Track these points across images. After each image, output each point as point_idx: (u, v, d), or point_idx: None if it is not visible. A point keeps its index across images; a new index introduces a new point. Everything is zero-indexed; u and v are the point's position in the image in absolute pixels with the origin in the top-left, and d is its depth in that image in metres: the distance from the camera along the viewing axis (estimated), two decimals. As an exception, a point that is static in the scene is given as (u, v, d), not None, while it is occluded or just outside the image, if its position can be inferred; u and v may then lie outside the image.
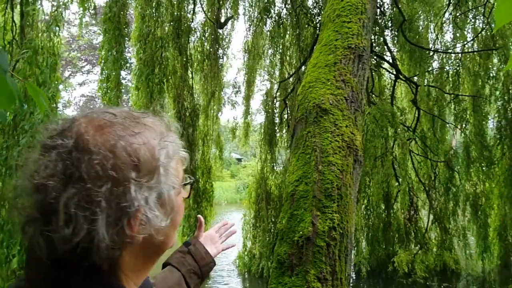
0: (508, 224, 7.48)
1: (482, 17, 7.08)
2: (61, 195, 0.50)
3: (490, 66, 7.69)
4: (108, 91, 5.34)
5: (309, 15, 7.32)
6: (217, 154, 8.46)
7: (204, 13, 7.29)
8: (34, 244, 0.53)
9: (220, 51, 7.62)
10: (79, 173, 0.51)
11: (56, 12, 4.73)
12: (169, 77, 6.17)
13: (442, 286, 7.72)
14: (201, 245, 1.11)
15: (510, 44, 6.80)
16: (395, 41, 7.46)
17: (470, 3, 7.15)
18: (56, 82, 4.53)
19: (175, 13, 6.19)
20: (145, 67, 5.73)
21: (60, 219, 0.50)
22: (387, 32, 7.39)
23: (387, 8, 7.40)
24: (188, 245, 1.10)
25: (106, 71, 5.48)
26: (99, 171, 0.52)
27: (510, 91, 7.61)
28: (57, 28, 4.65)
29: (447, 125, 8.01)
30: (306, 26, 7.37)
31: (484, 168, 7.63)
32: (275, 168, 7.85)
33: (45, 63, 4.23)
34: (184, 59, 6.35)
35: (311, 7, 7.45)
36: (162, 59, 5.89)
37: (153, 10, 5.88)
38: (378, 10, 6.87)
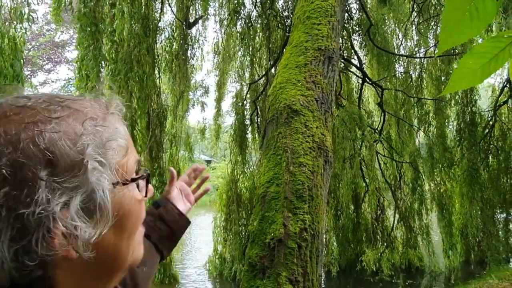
0: (469, 222, 7.86)
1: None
2: None
3: (450, 71, 8.07)
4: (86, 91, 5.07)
5: (279, 17, 7.36)
6: (186, 155, 8.32)
7: (173, 12, 7.15)
8: None
9: (190, 51, 7.50)
10: None
11: (17, 5, 4.50)
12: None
13: (407, 283, 7.97)
14: (173, 206, 0.96)
15: (469, 50, 7.17)
16: (363, 45, 7.65)
17: (431, 10, 7.47)
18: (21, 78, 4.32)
19: (142, 11, 6.01)
20: (123, 65, 5.50)
21: None
22: (354, 36, 7.58)
23: (354, 13, 7.59)
24: (158, 206, 0.96)
25: (83, 70, 5.21)
26: None
27: (468, 95, 8.03)
28: (25, 22, 4.42)
29: (412, 127, 8.32)
30: (276, 28, 7.41)
31: (446, 169, 7.99)
32: (246, 170, 7.82)
33: (13, 56, 4.01)
34: (152, 58, 6.18)
35: (281, 9, 7.50)
36: (141, 56, 5.69)
37: (130, 7, 5.68)
38: (346, 14, 7.02)
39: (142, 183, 0.54)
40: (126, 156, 0.50)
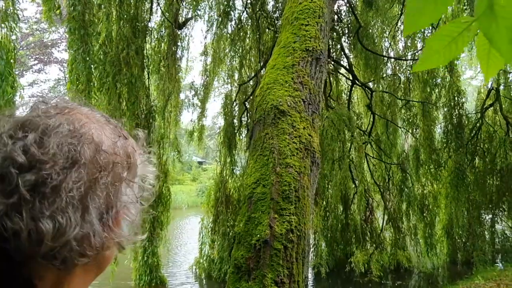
0: (455, 223, 7.95)
1: (431, 27, 7.50)
2: (66, 178, 0.46)
3: (436, 75, 8.18)
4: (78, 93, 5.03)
5: (269, 19, 7.37)
6: (176, 157, 8.24)
7: (162, 13, 7.10)
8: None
9: (179, 52, 7.45)
10: (86, 158, 0.48)
11: (7, 5, 4.45)
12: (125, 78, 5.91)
13: (396, 284, 8.02)
14: None
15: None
16: (352, 48, 7.70)
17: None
18: (13, 78, 4.29)
19: (131, 12, 5.96)
20: (111, 68, 5.47)
21: (61, 205, 0.45)
22: (344, 38, 7.62)
23: (344, 15, 7.63)
24: None
25: (74, 72, 5.18)
26: (106, 162, 0.50)
27: (456, 98, 8.14)
28: (14, 23, 4.38)
29: (399, 129, 8.39)
30: (266, 29, 7.42)
31: (433, 170, 8.08)
32: (234, 171, 7.78)
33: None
34: (141, 59, 6.11)
35: (271, 11, 7.51)
36: (129, 57, 5.67)
37: (118, 8, 5.64)
38: (336, 16, 7.06)
39: None
40: None
